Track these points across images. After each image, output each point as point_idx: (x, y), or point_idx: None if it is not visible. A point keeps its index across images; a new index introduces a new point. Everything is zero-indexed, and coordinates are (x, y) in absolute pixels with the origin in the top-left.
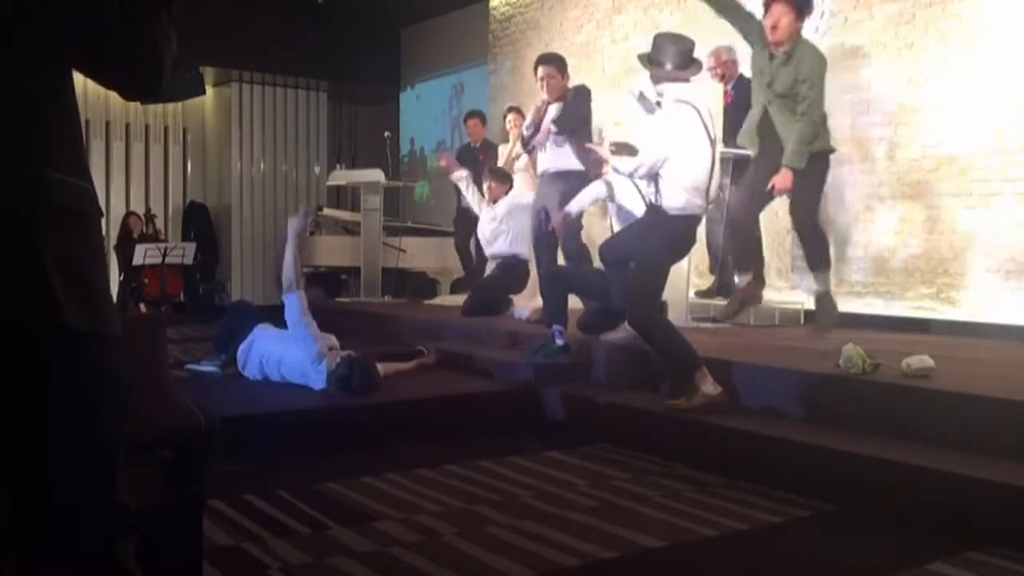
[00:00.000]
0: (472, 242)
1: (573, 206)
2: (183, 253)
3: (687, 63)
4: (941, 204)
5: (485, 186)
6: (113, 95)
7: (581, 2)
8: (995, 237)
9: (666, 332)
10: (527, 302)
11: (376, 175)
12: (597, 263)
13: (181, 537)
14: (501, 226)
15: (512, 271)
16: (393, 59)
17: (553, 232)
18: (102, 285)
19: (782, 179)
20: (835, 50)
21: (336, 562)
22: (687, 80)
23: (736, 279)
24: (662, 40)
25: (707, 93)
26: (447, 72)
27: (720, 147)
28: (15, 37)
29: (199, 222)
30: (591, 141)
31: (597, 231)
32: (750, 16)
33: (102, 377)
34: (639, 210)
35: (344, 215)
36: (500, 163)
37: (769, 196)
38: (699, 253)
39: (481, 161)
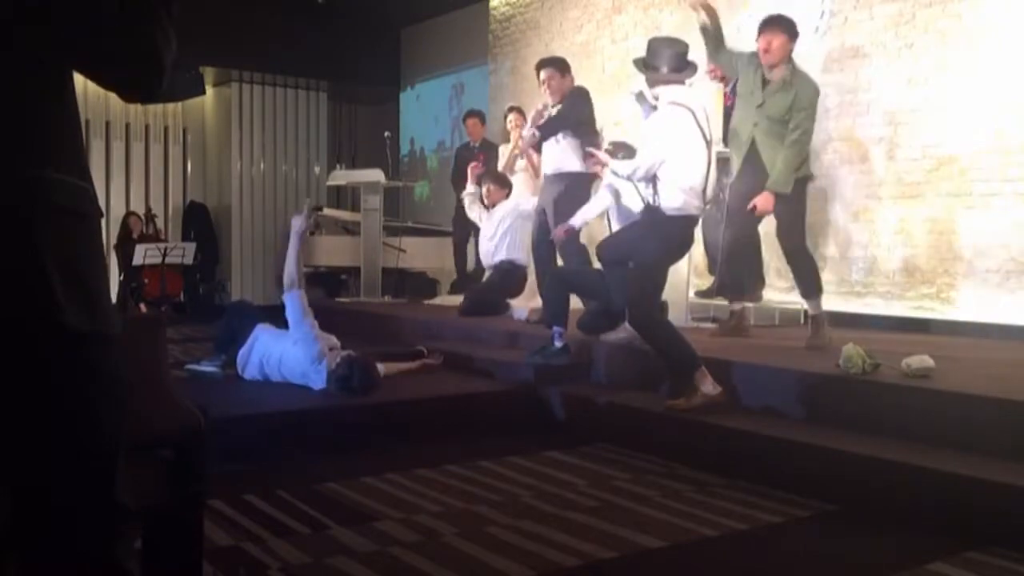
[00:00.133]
0: (471, 242)
1: (577, 219)
2: (183, 253)
3: (682, 66)
4: (941, 204)
5: (484, 190)
6: (113, 95)
7: (581, 2)
8: (995, 237)
9: (666, 332)
10: (526, 302)
11: (376, 175)
12: (596, 263)
13: (181, 537)
14: (500, 235)
15: (510, 276)
16: (393, 59)
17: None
18: (102, 285)
19: (764, 201)
20: (835, 50)
21: (336, 562)
22: (682, 83)
23: (731, 304)
24: (657, 44)
25: (703, 95)
26: (447, 72)
27: (719, 148)
28: (15, 37)
29: (199, 222)
30: (593, 142)
31: (597, 231)
32: (733, 53)
33: (102, 377)
34: (638, 210)
35: (344, 215)
36: (500, 163)
37: (754, 217)
38: (699, 253)
39: (481, 161)
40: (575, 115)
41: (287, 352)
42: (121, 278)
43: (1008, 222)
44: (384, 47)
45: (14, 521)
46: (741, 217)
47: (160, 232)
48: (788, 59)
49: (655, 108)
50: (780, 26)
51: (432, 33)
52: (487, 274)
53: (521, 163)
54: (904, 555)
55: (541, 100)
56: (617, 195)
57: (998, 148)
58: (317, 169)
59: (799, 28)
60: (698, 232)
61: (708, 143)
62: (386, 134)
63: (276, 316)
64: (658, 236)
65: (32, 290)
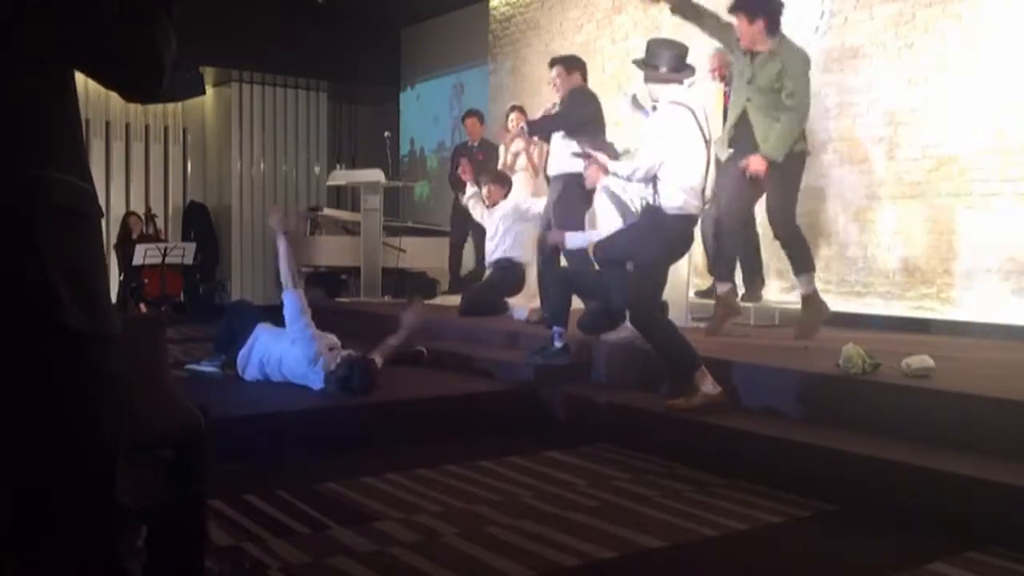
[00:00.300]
0: (469, 243)
1: (574, 241)
2: (183, 253)
3: (681, 66)
4: (941, 204)
5: (484, 189)
6: (113, 95)
7: (581, 2)
8: (995, 237)
9: (666, 332)
10: (526, 302)
11: (376, 175)
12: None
13: (181, 537)
14: (500, 235)
15: (508, 274)
16: (393, 59)
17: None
18: (102, 285)
19: (756, 161)
20: (835, 50)
21: (336, 562)
22: (680, 82)
23: (717, 288)
24: (656, 44)
25: (703, 95)
26: (447, 72)
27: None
28: (15, 37)
29: (199, 222)
30: (592, 144)
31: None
32: (726, 25)
33: (102, 377)
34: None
35: (344, 215)
36: (500, 162)
37: (750, 201)
38: (699, 253)
39: (480, 160)
40: (573, 115)
41: (286, 352)
42: (121, 278)
43: (1008, 222)
44: (384, 47)
45: (14, 521)
46: (730, 194)
47: (160, 232)
48: (771, 34)
49: (653, 109)
50: (740, 10)
51: (432, 33)
52: (487, 273)
53: (522, 162)
54: (904, 555)
55: (541, 100)
56: (613, 197)
57: (998, 148)
58: (317, 169)
59: (765, 9)
60: (697, 232)
61: (707, 142)
62: (386, 134)
63: (276, 316)
64: (659, 236)
65: (32, 290)
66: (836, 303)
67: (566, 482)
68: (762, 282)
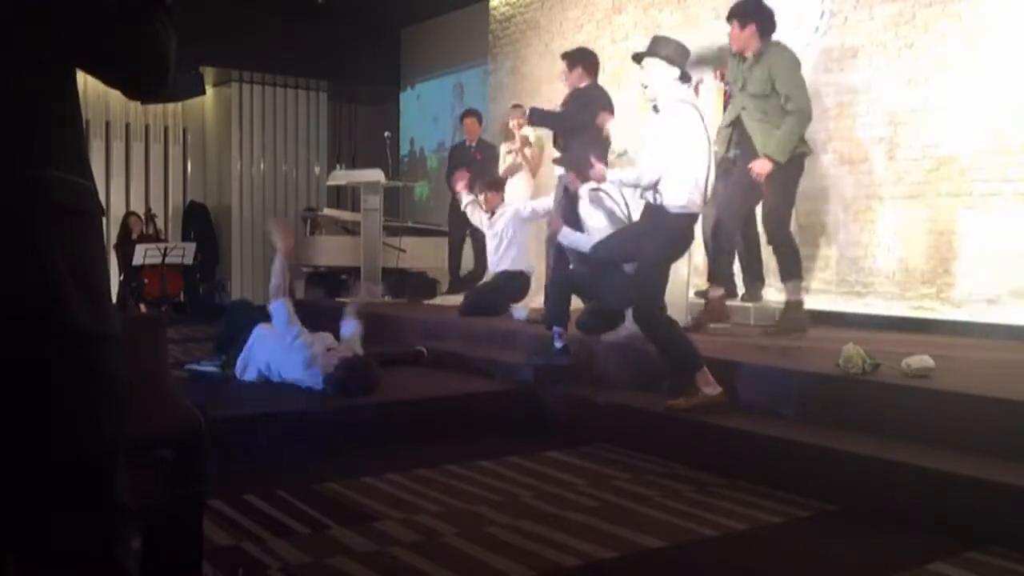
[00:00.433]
0: (467, 243)
1: (567, 237)
2: (183, 253)
3: (683, 62)
4: (941, 204)
5: (480, 197)
6: (113, 95)
7: (581, 2)
8: (995, 237)
9: (669, 331)
10: (526, 303)
11: (376, 175)
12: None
13: (181, 537)
14: (504, 247)
15: (514, 281)
16: (393, 59)
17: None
18: (103, 284)
19: (761, 164)
20: (835, 50)
21: (336, 562)
22: (687, 83)
23: (709, 290)
24: (664, 39)
25: (703, 94)
26: (447, 72)
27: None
28: (15, 37)
29: (199, 222)
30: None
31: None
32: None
33: (102, 377)
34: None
35: (344, 215)
36: (500, 165)
37: (751, 203)
38: (700, 254)
39: (479, 160)
40: (568, 119)
41: (282, 357)
42: (121, 278)
43: (1008, 222)
44: (384, 47)
45: (14, 521)
46: (731, 195)
47: (160, 232)
48: (762, 37)
49: (655, 110)
50: (733, 16)
51: (432, 33)
52: (491, 276)
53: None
54: (904, 555)
55: (541, 100)
56: (597, 202)
57: (998, 148)
58: (317, 169)
59: (755, 14)
60: (698, 231)
61: (710, 142)
62: (386, 134)
63: None
64: (660, 234)
65: (33, 289)
66: (836, 303)
67: (566, 482)
68: (762, 282)
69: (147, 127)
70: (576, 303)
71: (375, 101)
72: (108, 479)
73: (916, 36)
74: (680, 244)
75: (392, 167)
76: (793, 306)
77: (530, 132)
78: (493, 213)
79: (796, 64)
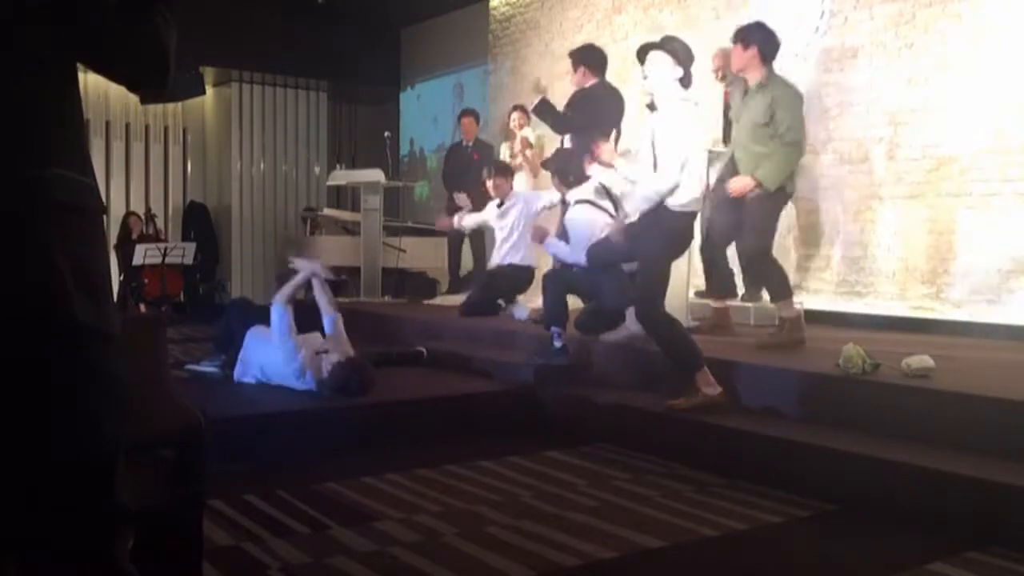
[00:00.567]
0: (465, 243)
1: (552, 247)
2: (183, 253)
3: (688, 65)
4: (941, 204)
5: (490, 184)
6: (113, 95)
7: (581, 2)
8: (995, 237)
9: (671, 330)
10: (527, 298)
11: (376, 175)
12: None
13: (181, 537)
14: (515, 235)
15: (520, 274)
16: (393, 59)
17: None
18: (104, 282)
19: (741, 182)
20: (835, 50)
21: (336, 562)
22: (682, 74)
23: (713, 303)
24: (673, 39)
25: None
26: (447, 72)
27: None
28: (15, 37)
29: (199, 222)
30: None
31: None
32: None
33: (102, 377)
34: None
35: (344, 215)
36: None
37: (734, 224)
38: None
39: (475, 160)
40: (568, 122)
41: (274, 362)
42: (121, 278)
43: (1008, 222)
44: (384, 47)
45: (14, 521)
46: (719, 211)
47: (160, 232)
48: (763, 62)
49: (650, 109)
50: (737, 37)
51: (432, 33)
52: (495, 266)
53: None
54: (904, 555)
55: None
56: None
57: (998, 148)
58: (317, 169)
59: (759, 37)
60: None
61: (707, 140)
62: (386, 134)
63: None
64: (661, 233)
65: (35, 288)
66: (836, 303)
67: (566, 482)
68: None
69: (147, 127)
70: (576, 303)
71: (375, 101)
72: (108, 479)
73: (916, 36)
74: (680, 243)
75: (392, 167)
76: (789, 323)
77: (530, 133)
78: (502, 203)
79: (799, 98)
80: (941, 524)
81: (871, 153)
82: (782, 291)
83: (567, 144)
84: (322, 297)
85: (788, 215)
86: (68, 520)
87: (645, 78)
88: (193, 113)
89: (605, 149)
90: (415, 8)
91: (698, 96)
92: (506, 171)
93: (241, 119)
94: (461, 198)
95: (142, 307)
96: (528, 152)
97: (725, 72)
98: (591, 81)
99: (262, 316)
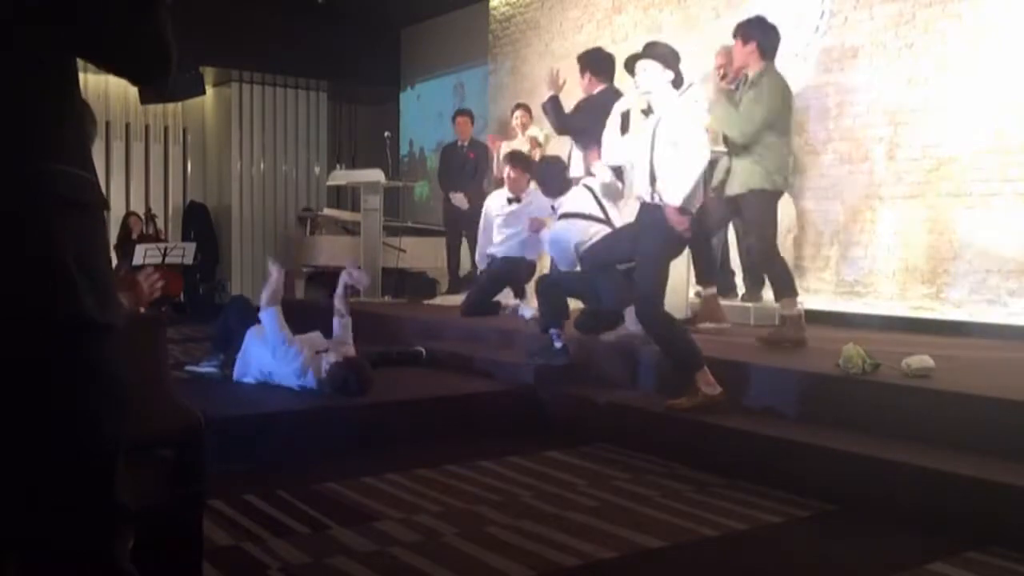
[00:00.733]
0: (464, 244)
1: (544, 239)
2: (183, 253)
3: (676, 66)
4: (941, 204)
5: (506, 175)
6: (113, 95)
7: (581, 2)
8: (995, 237)
9: (672, 330)
10: (533, 301)
11: (376, 175)
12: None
13: (181, 537)
14: (522, 234)
15: (518, 266)
16: (393, 59)
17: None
18: (107, 275)
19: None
20: (835, 50)
21: (336, 562)
22: (673, 76)
23: (701, 291)
24: (652, 41)
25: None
26: (447, 72)
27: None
28: (15, 37)
29: (199, 222)
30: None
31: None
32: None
33: (102, 377)
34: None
35: (344, 215)
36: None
37: (726, 217)
38: None
39: (471, 160)
40: (576, 120)
41: (274, 364)
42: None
43: (1008, 222)
44: (384, 47)
45: (14, 521)
46: (710, 207)
47: (160, 232)
48: (763, 57)
49: (644, 114)
50: (737, 33)
51: (432, 33)
52: (489, 264)
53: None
54: (904, 555)
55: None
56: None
57: (998, 148)
58: (317, 169)
59: (758, 33)
60: None
61: (706, 140)
62: (386, 134)
63: None
64: (660, 233)
65: (39, 283)
66: (836, 303)
67: (566, 482)
68: (763, 283)
69: (147, 127)
70: (576, 303)
71: (375, 101)
72: (108, 479)
73: (916, 36)
74: (679, 242)
75: (392, 167)
76: (790, 320)
77: (538, 132)
78: (517, 199)
79: (787, 92)
80: (941, 524)
81: (871, 153)
82: (787, 288)
83: (572, 146)
84: (341, 301)
85: (788, 215)
86: (68, 520)
87: (638, 87)
88: (193, 113)
89: (597, 164)
90: (415, 8)
91: (698, 95)
92: (526, 163)
93: (241, 119)
94: (458, 198)
95: (142, 307)
96: (536, 152)
97: (726, 71)
98: (599, 87)
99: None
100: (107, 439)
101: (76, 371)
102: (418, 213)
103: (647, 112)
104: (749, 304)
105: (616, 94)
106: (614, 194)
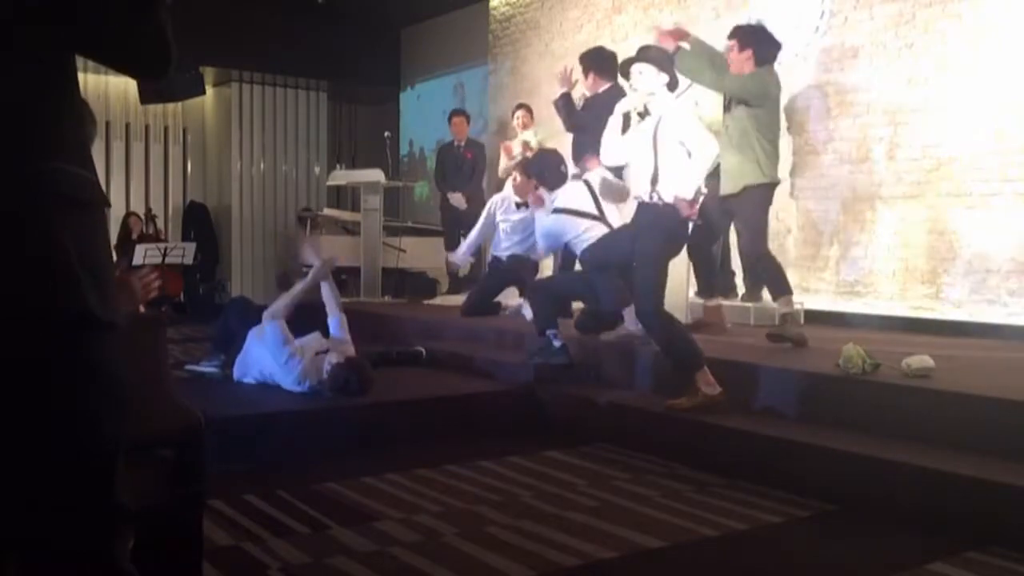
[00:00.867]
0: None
1: (539, 219)
2: (183, 253)
3: (671, 69)
4: (941, 204)
5: (517, 180)
6: (112, 95)
7: (581, 2)
8: (995, 237)
9: (671, 330)
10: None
11: (376, 175)
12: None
13: (181, 537)
14: (527, 236)
15: (523, 266)
16: (393, 59)
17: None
18: (108, 273)
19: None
20: (835, 50)
21: (336, 562)
22: (668, 79)
23: (706, 303)
24: (646, 45)
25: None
26: (447, 72)
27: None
28: (15, 37)
29: (199, 222)
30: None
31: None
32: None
33: (102, 377)
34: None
35: (344, 215)
36: (501, 168)
37: (725, 222)
38: None
39: (469, 159)
40: (585, 118)
41: (274, 369)
42: None
43: (1008, 222)
44: (384, 47)
45: (14, 521)
46: (704, 219)
47: (160, 232)
48: (758, 64)
49: (641, 117)
50: (734, 35)
51: (432, 33)
52: (492, 263)
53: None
54: (904, 555)
55: (542, 100)
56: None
57: (998, 148)
58: (317, 169)
59: (754, 40)
60: None
61: (704, 141)
62: (386, 134)
63: None
64: (659, 232)
65: (39, 284)
66: (837, 303)
67: (566, 482)
68: (763, 283)
69: (147, 127)
70: (575, 304)
71: (375, 101)
72: (108, 479)
73: (916, 36)
74: (679, 241)
75: (392, 167)
76: (789, 318)
77: (531, 136)
78: (527, 204)
79: (772, 83)
80: (941, 524)
81: (871, 153)
82: (780, 287)
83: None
84: (330, 299)
85: (788, 215)
86: (68, 520)
87: (635, 90)
88: (193, 113)
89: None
90: (415, 8)
91: (698, 95)
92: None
93: (241, 119)
94: (456, 198)
95: (142, 307)
96: (528, 155)
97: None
98: (603, 86)
99: (261, 315)
100: (107, 439)
101: (76, 371)
102: (418, 213)
103: (643, 115)
104: (749, 304)
105: (621, 92)
106: (619, 192)
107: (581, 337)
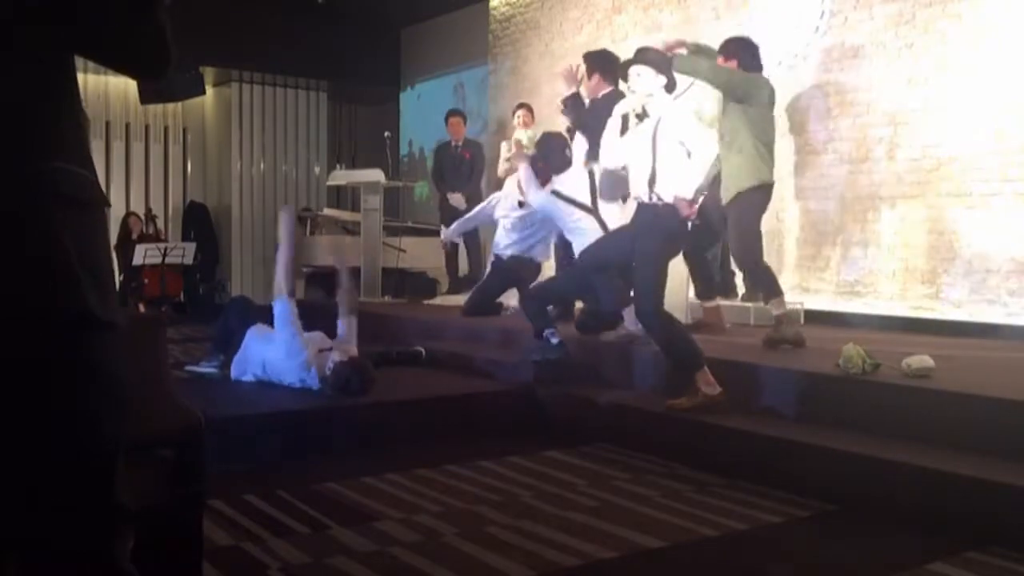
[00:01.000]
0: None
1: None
2: (183, 253)
3: (669, 71)
4: (941, 204)
5: (516, 178)
6: (112, 95)
7: (581, 2)
8: (995, 237)
9: (671, 330)
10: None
11: (376, 175)
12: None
13: (181, 537)
14: (529, 234)
15: (524, 267)
16: (393, 59)
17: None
18: (108, 274)
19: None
20: (835, 50)
21: (336, 562)
22: (666, 81)
23: (704, 304)
24: (644, 47)
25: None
26: (447, 72)
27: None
28: (15, 37)
29: (199, 222)
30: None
31: None
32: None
33: (102, 377)
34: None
35: (344, 215)
36: (501, 161)
37: (724, 227)
38: None
39: (467, 159)
40: (584, 118)
41: (278, 359)
42: (121, 278)
43: (1008, 222)
44: (384, 47)
45: (14, 521)
46: (709, 216)
47: (160, 232)
48: (742, 69)
49: (639, 119)
50: (720, 51)
51: (432, 33)
52: (494, 263)
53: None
54: (904, 555)
55: (542, 99)
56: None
57: (998, 148)
58: (317, 169)
59: (738, 50)
60: None
61: (702, 142)
62: (386, 134)
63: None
64: (658, 232)
65: (39, 284)
66: (836, 303)
67: (566, 482)
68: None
69: (147, 127)
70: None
71: (375, 101)
72: (108, 479)
73: (916, 36)
74: (678, 241)
75: (392, 167)
76: (784, 320)
77: (524, 136)
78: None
79: (765, 90)
80: (941, 524)
81: (871, 153)
82: (771, 290)
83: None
84: (349, 297)
85: (788, 215)
86: (68, 520)
87: (633, 92)
88: (193, 113)
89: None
90: (415, 8)
91: (698, 96)
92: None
93: (241, 119)
94: (455, 198)
95: (142, 307)
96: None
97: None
98: (605, 90)
99: (261, 316)
100: (107, 439)
101: (76, 371)
102: (418, 213)
103: (641, 116)
104: (749, 304)
105: (621, 97)
106: (619, 185)
107: (581, 337)
